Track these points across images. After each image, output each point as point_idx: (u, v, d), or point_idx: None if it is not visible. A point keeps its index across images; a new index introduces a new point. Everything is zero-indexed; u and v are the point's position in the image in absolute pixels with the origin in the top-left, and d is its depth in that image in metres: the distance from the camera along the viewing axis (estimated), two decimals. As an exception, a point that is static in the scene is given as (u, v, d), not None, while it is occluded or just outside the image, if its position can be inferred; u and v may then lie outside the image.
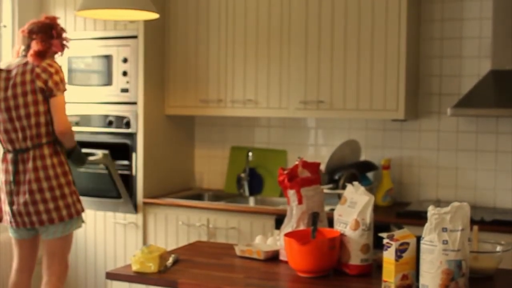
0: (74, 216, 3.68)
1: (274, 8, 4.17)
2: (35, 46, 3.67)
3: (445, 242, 2.12)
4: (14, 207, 3.63)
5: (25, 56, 3.71)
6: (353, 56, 3.98)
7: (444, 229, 2.13)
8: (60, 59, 4.53)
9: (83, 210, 3.77)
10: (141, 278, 2.50)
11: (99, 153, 4.11)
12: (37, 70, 3.63)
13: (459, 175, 4.12)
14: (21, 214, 3.63)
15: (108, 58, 4.42)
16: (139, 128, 4.34)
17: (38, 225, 3.63)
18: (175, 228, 4.28)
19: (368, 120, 4.30)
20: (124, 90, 4.38)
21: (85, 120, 4.50)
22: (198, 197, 4.58)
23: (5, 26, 4.47)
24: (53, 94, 3.64)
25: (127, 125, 4.37)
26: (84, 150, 3.94)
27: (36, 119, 3.64)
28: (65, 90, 3.70)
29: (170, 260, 2.64)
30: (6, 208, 3.70)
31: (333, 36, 4.03)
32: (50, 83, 3.63)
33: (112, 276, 2.57)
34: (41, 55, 3.66)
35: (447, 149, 4.15)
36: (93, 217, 4.51)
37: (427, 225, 2.17)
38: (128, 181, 4.40)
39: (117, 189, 4.29)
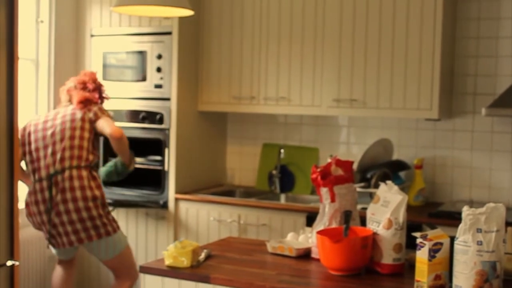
0: (112, 233, 3.75)
1: (308, 6, 4.17)
2: (78, 97, 3.87)
3: (479, 243, 2.11)
4: (53, 230, 3.69)
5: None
6: (387, 54, 3.96)
7: (479, 230, 2.12)
8: (95, 54, 4.60)
9: (119, 228, 3.84)
10: (174, 272, 2.52)
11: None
12: (89, 107, 3.85)
13: (493, 176, 4.08)
14: (60, 234, 3.70)
15: (142, 54, 4.46)
16: (172, 124, 4.37)
17: (77, 243, 3.71)
18: (206, 223, 4.30)
19: (401, 119, 4.27)
20: (158, 86, 4.42)
21: (118, 115, 4.54)
22: (230, 193, 4.59)
23: (42, 22, 4.53)
24: (99, 117, 3.83)
25: (160, 120, 4.40)
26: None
27: (80, 142, 3.76)
28: (111, 117, 3.91)
29: (203, 255, 2.66)
30: (45, 233, 3.76)
31: (367, 34, 4.01)
32: (99, 113, 3.84)
33: (145, 269, 2.60)
34: (86, 102, 3.87)
35: (481, 150, 4.11)
36: (125, 211, 4.55)
37: (461, 225, 2.15)
38: (160, 176, 4.44)
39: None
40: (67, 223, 3.65)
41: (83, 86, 3.95)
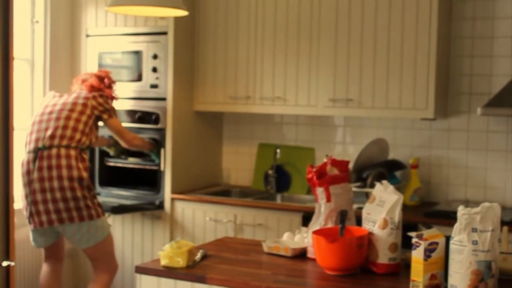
0: (95, 217, 3.69)
1: (303, 5, 4.17)
2: (91, 81, 4.02)
3: (475, 243, 2.11)
4: (34, 207, 3.66)
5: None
6: (383, 54, 3.97)
7: (474, 230, 2.12)
8: (91, 54, 4.60)
9: (104, 214, 3.81)
10: (170, 273, 2.52)
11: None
12: (94, 93, 3.93)
13: (488, 175, 4.09)
14: (39, 213, 3.65)
15: (138, 54, 4.46)
16: (167, 124, 4.36)
17: (57, 223, 3.65)
18: (202, 223, 4.30)
19: (397, 118, 4.28)
20: (154, 86, 4.41)
21: (114, 115, 4.54)
22: (226, 193, 4.59)
23: (37, 22, 4.52)
24: (111, 115, 3.95)
25: (156, 120, 4.39)
26: None
27: (75, 124, 3.78)
28: (116, 114, 4.06)
29: (199, 255, 2.66)
30: (27, 211, 3.72)
31: (362, 34, 4.02)
32: (107, 106, 3.94)
33: (141, 270, 2.60)
34: (95, 89, 4.00)
35: (476, 149, 4.11)
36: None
37: (456, 225, 2.15)
38: (156, 176, 4.43)
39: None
40: (50, 201, 3.61)
41: (100, 79, 4.07)
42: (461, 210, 2.15)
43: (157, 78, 4.40)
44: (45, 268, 3.97)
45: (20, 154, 3.77)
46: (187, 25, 4.45)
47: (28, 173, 3.68)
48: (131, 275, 4.42)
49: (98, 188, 4.60)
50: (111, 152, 4.51)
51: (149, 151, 4.40)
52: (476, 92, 4.10)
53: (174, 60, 4.35)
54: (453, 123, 4.17)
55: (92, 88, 3.99)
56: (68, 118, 3.78)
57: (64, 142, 3.71)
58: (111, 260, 3.89)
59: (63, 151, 3.68)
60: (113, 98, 4.15)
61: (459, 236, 2.14)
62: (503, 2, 3.99)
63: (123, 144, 4.16)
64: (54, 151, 3.67)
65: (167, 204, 4.39)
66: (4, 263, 2.63)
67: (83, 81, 4.05)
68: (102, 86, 4.06)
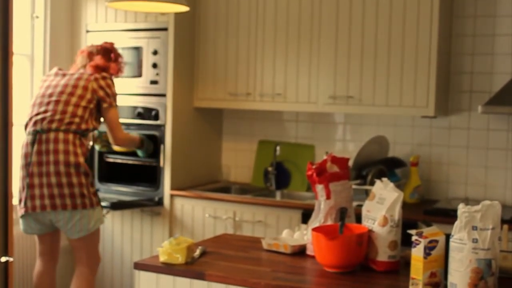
0: (88, 206, 3.64)
1: (304, 2, 4.16)
2: (97, 60, 3.91)
3: (475, 241, 2.10)
4: (29, 191, 3.61)
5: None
6: (384, 51, 3.96)
7: (474, 228, 2.11)
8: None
9: (98, 204, 3.76)
10: (169, 269, 2.51)
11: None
12: (97, 75, 3.82)
13: (488, 173, 4.08)
14: (34, 197, 3.61)
15: (138, 50, 4.45)
16: (167, 120, 4.36)
17: (50, 209, 3.60)
18: (202, 220, 4.30)
19: (397, 116, 4.27)
20: (154, 82, 4.41)
21: (114, 111, 4.53)
22: (225, 190, 4.59)
23: (37, 17, 4.51)
24: (111, 105, 3.85)
25: (156, 117, 4.39)
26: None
27: (74, 109, 3.72)
28: (116, 105, 3.93)
29: (198, 252, 2.65)
30: (22, 194, 3.67)
31: (363, 31, 4.01)
32: (109, 91, 3.84)
33: (140, 266, 2.59)
34: (100, 69, 3.89)
35: (477, 147, 4.11)
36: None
37: (457, 223, 2.15)
38: (156, 172, 4.43)
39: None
40: (45, 186, 3.59)
41: (105, 53, 3.97)
42: (461, 208, 2.14)
43: (157, 74, 4.39)
44: (38, 267, 3.89)
45: (19, 150, 3.75)
46: (188, 21, 4.44)
47: (26, 156, 3.66)
48: (130, 271, 4.41)
49: (98, 184, 4.60)
50: (97, 146, 4.38)
51: (137, 148, 4.33)
52: (476, 90, 4.09)
53: (174, 56, 4.34)
54: (454, 121, 4.16)
55: (97, 69, 3.89)
56: (67, 102, 3.72)
57: (63, 127, 3.68)
58: (96, 253, 3.85)
59: (61, 136, 3.65)
60: (119, 71, 4.03)
61: (459, 234, 2.13)
62: (504, 0, 3.98)
63: (111, 139, 4.02)
64: (52, 135, 3.65)
65: (166, 201, 4.39)
66: (3, 259, 2.63)
67: (89, 54, 3.95)
68: (107, 64, 3.94)
